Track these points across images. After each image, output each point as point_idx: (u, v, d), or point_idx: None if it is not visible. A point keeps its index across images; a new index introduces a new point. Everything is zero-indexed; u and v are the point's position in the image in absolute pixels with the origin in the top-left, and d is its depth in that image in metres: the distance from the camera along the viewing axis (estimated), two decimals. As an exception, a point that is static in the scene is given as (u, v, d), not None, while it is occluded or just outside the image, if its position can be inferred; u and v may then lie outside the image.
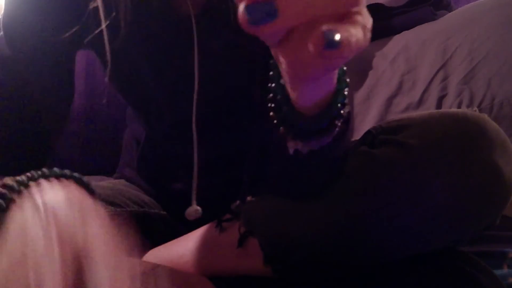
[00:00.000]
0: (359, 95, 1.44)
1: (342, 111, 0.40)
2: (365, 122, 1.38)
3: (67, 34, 0.53)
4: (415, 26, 1.51)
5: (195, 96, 0.63)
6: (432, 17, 1.52)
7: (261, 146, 0.65)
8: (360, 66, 1.51)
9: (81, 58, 1.30)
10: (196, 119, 0.65)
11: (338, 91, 0.39)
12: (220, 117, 0.67)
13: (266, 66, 0.62)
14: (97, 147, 1.29)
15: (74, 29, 0.54)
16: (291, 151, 0.43)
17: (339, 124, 0.42)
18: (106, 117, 1.30)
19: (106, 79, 0.60)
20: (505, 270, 0.72)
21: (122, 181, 0.82)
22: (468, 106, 1.21)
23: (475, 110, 0.53)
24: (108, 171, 1.16)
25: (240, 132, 0.69)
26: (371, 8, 1.86)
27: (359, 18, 0.29)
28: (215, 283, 0.56)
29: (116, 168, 0.92)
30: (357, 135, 0.60)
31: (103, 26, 0.54)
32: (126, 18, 0.55)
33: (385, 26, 1.61)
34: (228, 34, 0.61)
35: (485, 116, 0.51)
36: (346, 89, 0.39)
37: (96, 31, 0.54)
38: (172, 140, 0.71)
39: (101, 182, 0.84)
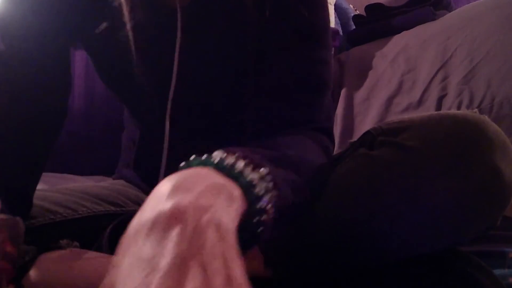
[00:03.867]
0: (359, 95, 1.44)
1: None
2: (365, 122, 1.38)
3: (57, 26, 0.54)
4: (415, 26, 1.51)
5: (171, 89, 0.63)
6: (432, 17, 1.52)
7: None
8: (360, 66, 1.51)
9: (81, 59, 1.30)
10: (171, 113, 0.64)
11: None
12: (197, 113, 0.67)
13: (249, 66, 0.62)
14: (97, 147, 1.29)
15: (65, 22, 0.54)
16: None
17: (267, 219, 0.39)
18: (105, 117, 1.30)
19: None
20: (505, 270, 0.72)
21: (121, 181, 0.82)
22: (468, 106, 1.20)
23: (475, 111, 0.53)
24: (108, 172, 1.16)
25: (216, 133, 0.68)
26: (371, 8, 1.87)
27: None
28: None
29: (116, 168, 0.92)
30: (358, 135, 0.60)
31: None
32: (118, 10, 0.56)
33: (385, 26, 1.61)
34: (214, 30, 0.61)
35: (485, 117, 0.51)
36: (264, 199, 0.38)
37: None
38: (156, 136, 0.70)
39: (101, 183, 0.84)
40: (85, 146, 1.29)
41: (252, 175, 0.38)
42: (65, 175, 1.17)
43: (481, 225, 0.51)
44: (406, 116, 0.57)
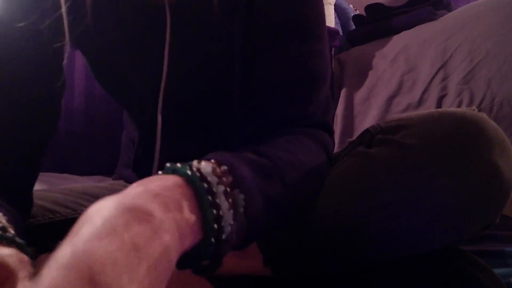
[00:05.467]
0: (359, 95, 1.44)
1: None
2: (365, 122, 1.38)
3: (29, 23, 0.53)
4: (415, 26, 1.51)
5: (162, 88, 0.63)
6: (432, 17, 1.52)
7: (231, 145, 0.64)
8: (360, 66, 1.51)
9: (81, 59, 1.30)
10: (163, 111, 0.64)
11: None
12: (189, 112, 0.66)
13: (238, 65, 0.61)
14: (97, 148, 1.29)
15: (33, 18, 0.53)
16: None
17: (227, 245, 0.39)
18: (105, 117, 1.30)
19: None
20: (505, 269, 0.72)
21: (121, 181, 0.82)
22: (468, 106, 1.20)
23: (474, 110, 0.53)
24: (108, 172, 1.16)
25: (208, 133, 0.68)
26: (371, 8, 1.87)
27: None
28: (214, 283, 0.56)
29: (116, 168, 0.92)
30: (358, 135, 0.60)
31: (63, 8, 0.53)
32: (93, 5, 0.55)
33: (385, 26, 1.61)
34: (202, 28, 0.61)
35: (483, 115, 0.51)
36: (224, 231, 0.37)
37: (55, 15, 0.53)
38: (151, 136, 0.70)
39: (100, 183, 0.84)
40: (85, 146, 1.29)
41: (224, 204, 0.38)
42: (65, 175, 1.17)
43: (480, 222, 0.51)
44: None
